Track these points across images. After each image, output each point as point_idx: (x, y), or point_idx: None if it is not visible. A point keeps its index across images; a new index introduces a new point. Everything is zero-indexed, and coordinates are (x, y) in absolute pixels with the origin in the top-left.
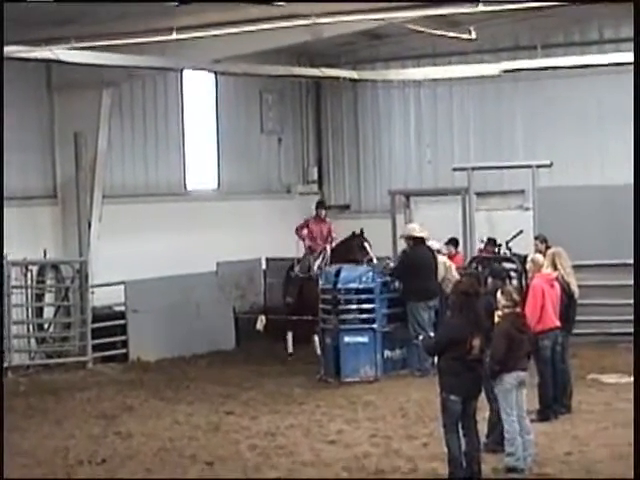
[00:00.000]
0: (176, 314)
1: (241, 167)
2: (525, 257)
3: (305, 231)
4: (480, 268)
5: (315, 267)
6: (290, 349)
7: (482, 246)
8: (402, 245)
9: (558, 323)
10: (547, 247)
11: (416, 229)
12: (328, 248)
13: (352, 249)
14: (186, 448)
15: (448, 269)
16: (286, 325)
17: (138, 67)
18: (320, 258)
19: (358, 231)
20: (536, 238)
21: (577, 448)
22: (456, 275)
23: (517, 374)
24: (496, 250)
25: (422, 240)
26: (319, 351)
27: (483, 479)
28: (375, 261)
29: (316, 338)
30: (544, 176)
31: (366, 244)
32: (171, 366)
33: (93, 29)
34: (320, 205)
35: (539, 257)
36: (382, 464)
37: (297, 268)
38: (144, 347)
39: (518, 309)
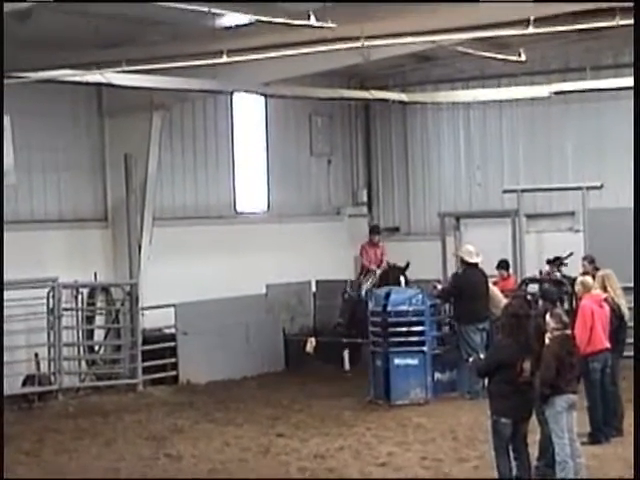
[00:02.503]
0: (226, 336)
1: (291, 189)
2: (574, 279)
3: (365, 255)
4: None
5: (363, 290)
6: (347, 366)
7: (547, 267)
8: (452, 267)
9: (608, 344)
10: (595, 268)
11: (472, 253)
12: (377, 271)
13: (389, 281)
14: (236, 470)
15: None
16: (342, 344)
17: (188, 90)
18: (369, 280)
19: (405, 259)
20: (584, 259)
21: (628, 471)
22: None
23: (568, 397)
24: (558, 268)
25: (475, 263)
26: (347, 366)
27: None
28: None
29: (345, 354)
30: (594, 198)
31: (402, 278)
32: (221, 388)
33: (144, 52)
34: (374, 230)
35: (588, 279)
36: None
37: (349, 289)
38: (194, 369)
39: (568, 331)
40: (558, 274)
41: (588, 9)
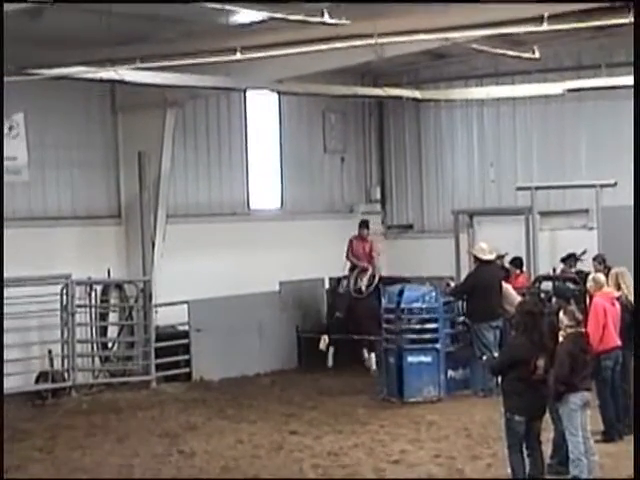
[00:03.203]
0: (239, 333)
1: (304, 187)
2: (587, 275)
3: (352, 250)
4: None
5: (363, 286)
6: (330, 362)
7: (562, 265)
8: (465, 265)
9: (619, 342)
10: (606, 267)
11: (485, 250)
12: (371, 268)
13: None
14: (249, 468)
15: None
16: (330, 340)
17: (202, 87)
18: (366, 277)
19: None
20: (594, 259)
21: None
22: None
23: (582, 394)
24: (573, 264)
25: (488, 261)
26: (374, 366)
27: None
28: None
29: (365, 353)
30: (608, 195)
31: None
32: (234, 385)
33: (157, 49)
34: (363, 224)
35: (600, 276)
36: None
37: (345, 283)
38: (207, 366)
39: (581, 329)
40: (572, 271)
41: (602, 6)
